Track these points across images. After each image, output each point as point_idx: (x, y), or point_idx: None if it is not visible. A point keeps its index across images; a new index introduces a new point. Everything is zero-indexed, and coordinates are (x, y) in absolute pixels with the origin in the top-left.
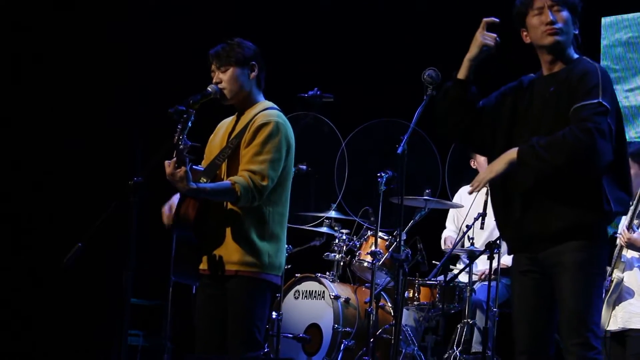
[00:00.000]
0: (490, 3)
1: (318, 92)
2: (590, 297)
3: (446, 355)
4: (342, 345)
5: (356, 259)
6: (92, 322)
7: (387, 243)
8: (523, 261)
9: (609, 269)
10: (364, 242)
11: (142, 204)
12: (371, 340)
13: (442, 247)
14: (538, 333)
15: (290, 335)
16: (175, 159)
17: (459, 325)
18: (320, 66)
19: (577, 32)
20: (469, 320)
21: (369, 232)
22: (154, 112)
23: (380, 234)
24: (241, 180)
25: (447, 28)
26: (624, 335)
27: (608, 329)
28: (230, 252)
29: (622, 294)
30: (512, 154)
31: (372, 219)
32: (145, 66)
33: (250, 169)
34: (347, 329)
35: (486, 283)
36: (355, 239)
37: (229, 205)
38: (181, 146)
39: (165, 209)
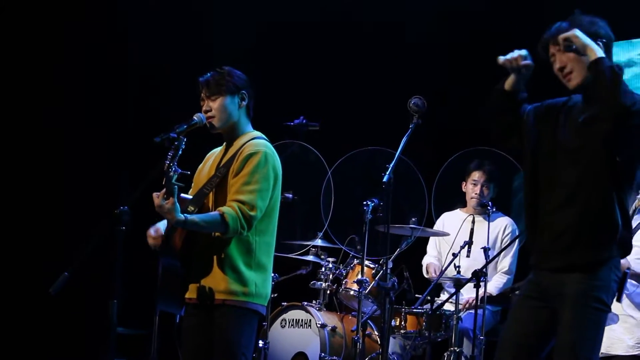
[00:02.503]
0: (476, 32)
1: (304, 121)
2: (584, 331)
3: None
4: None
5: (342, 287)
6: (78, 352)
7: (373, 271)
8: (531, 287)
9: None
10: (351, 271)
11: (128, 232)
12: None
13: (425, 274)
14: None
15: None
16: (163, 190)
17: (445, 354)
18: (306, 95)
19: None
20: (455, 348)
21: (355, 261)
22: (139, 140)
23: (366, 262)
24: (230, 211)
25: (434, 57)
26: None
27: None
28: (217, 281)
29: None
30: (596, 51)
31: (358, 247)
32: (133, 90)
33: (239, 199)
34: (334, 357)
35: (472, 311)
36: (341, 267)
37: (216, 235)
38: (171, 173)
39: (151, 231)
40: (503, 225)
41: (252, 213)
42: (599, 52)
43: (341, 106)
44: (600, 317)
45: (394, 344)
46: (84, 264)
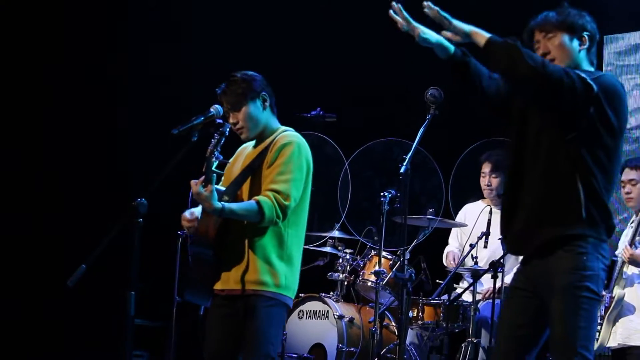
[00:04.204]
0: (491, 22)
1: (321, 112)
2: (577, 320)
3: None
4: None
5: (360, 278)
6: (96, 343)
7: (390, 262)
8: (520, 278)
9: (610, 288)
10: (368, 262)
11: (145, 223)
12: (375, 359)
13: (444, 262)
14: (516, 351)
15: (295, 356)
16: (202, 177)
17: (463, 344)
18: (322, 86)
19: (583, 47)
20: (473, 339)
21: (373, 252)
22: (156, 132)
23: (383, 253)
24: (266, 200)
25: None
26: (624, 352)
27: (608, 345)
28: (248, 271)
29: (622, 311)
30: (483, 32)
31: (375, 238)
32: (146, 85)
33: (274, 188)
34: (352, 348)
35: (490, 301)
36: (359, 258)
37: (249, 225)
38: (213, 159)
39: (186, 214)
40: None
41: (286, 202)
42: (486, 33)
43: (358, 97)
44: (592, 305)
45: (411, 335)
46: (102, 256)
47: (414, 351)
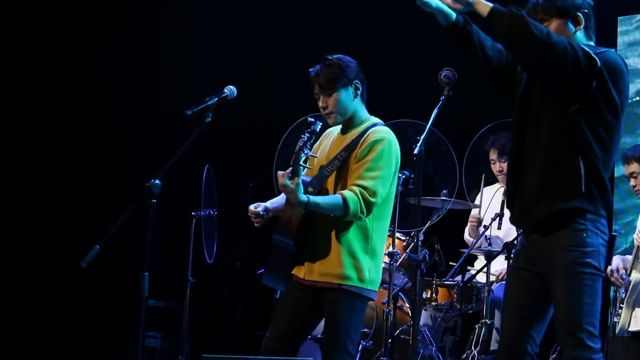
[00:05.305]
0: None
1: None
2: (581, 297)
3: (464, 356)
4: (360, 346)
5: None
6: (109, 324)
7: (404, 244)
8: (520, 258)
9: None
10: None
11: (159, 204)
12: (389, 341)
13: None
14: (522, 331)
15: (309, 337)
16: (288, 169)
17: (477, 326)
18: None
19: (579, 27)
20: (487, 320)
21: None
22: (170, 113)
23: (397, 234)
24: (352, 195)
25: None
26: None
27: (629, 329)
28: (333, 264)
29: None
30: (486, 4)
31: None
32: (158, 66)
33: (361, 184)
34: (365, 329)
35: (504, 282)
36: None
37: (333, 217)
38: (302, 154)
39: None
40: None
41: (372, 199)
42: (489, 2)
43: (371, 78)
44: (595, 281)
45: (425, 316)
46: (116, 237)
47: (427, 332)
